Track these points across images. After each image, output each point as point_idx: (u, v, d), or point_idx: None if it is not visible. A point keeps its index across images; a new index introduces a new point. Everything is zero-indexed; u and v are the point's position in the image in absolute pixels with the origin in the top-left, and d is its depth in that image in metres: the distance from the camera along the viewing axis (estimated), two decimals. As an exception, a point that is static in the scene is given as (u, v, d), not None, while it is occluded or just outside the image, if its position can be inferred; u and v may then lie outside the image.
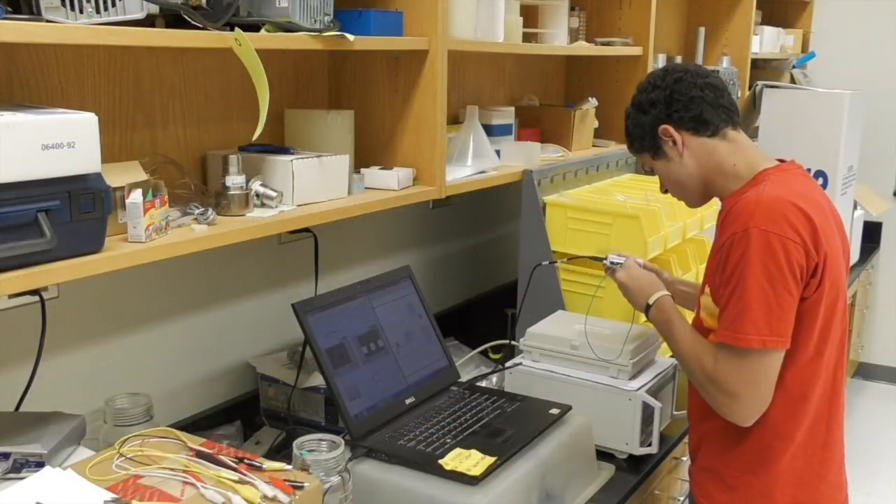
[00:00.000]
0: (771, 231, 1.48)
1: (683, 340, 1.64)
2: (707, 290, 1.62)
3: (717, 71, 3.54)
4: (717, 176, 1.66)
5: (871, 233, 4.46)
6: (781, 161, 1.68)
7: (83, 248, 1.28)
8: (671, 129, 1.66)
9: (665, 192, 1.79)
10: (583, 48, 2.74)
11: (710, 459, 1.68)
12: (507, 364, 2.00)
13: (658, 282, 1.79)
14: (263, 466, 1.29)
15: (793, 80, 4.45)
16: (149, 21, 1.40)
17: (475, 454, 1.55)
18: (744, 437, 1.60)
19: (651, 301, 1.73)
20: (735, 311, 1.51)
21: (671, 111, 1.66)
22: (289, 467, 1.31)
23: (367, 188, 1.90)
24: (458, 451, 1.57)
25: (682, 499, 2.11)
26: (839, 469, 1.69)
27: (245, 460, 1.30)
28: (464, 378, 1.99)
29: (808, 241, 1.50)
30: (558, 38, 2.62)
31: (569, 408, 1.78)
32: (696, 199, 1.74)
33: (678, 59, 3.60)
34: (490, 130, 2.35)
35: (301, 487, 1.26)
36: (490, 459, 1.53)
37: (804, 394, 1.59)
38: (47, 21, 1.23)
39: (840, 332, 1.64)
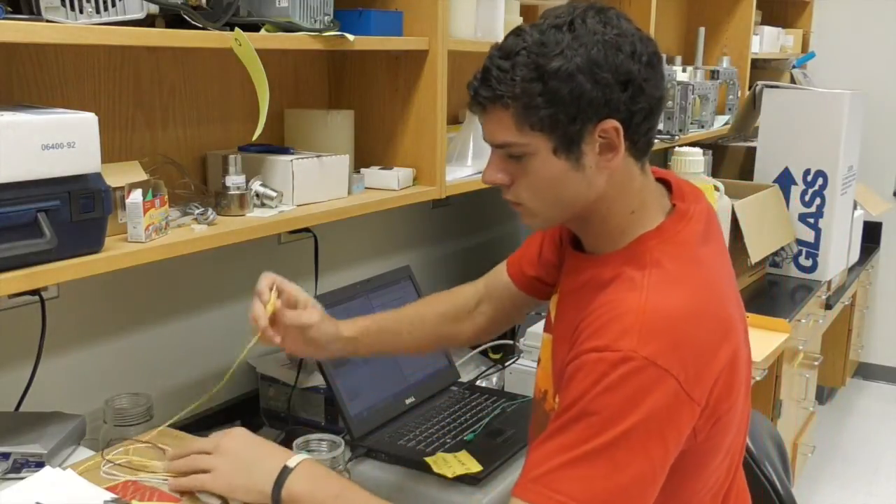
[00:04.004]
0: (663, 368, 1.00)
1: None
2: (549, 392, 1.24)
3: (717, 71, 3.54)
4: (609, 216, 1.15)
5: (871, 233, 4.45)
6: (679, 196, 1.18)
7: (83, 248, 1.28)
8: (620, 132, 1.08)
9: (504, 188, 1.16)
10: (583, 48, 2.73)
11: None
12: (507, 364, 2.00)
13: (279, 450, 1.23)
14: (263, 466, 1.29)
15: (793, 80, 4.45)
16: (149, 21, 1.39)
17: (463, 454, 1.55)
18: None
19: (291, 464, 1.16)
20: (582, 469, 1.06)
21: (634, 108, 1.07)
22: (289, 467, 1.31)
23: (367, 188, 1.90)
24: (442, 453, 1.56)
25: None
26: None
27: (245, 460, 1.30)
28: (464, 378, 2.00)
29: (708, 385, 1.05)
30: (558, 38, 2.62)
31: (569, 408, 1.78)
32: (552, 223, 1.23)
33: (678, 59, 3.60)
34: (490, 130, 2.34)
35: (301, 487, 1.25)
36: (472, 461, 1.52)
37: None
38: (47, 21, 1.23)
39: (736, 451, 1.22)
